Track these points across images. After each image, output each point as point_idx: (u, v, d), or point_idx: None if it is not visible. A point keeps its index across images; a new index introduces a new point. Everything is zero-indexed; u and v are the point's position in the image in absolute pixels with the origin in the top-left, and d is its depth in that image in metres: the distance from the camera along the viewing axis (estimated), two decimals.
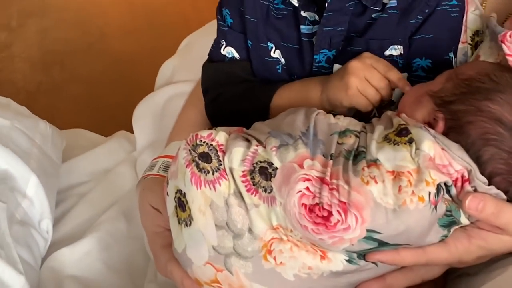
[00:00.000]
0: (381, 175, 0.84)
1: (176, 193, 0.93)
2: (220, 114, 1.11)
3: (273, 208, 0.87)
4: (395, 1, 0.99)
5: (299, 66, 1.05)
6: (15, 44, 2.98)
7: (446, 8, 0.99)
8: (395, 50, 1.00)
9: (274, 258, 0.88)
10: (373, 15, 1.00)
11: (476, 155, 0.86)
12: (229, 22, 1.11)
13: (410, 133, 0.86)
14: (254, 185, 0.88)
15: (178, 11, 3.02)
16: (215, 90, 1.12)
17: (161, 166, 1.10)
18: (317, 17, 1.02)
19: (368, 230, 0.84)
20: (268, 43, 1.06)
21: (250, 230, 0.88)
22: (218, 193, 0.89)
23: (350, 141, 0.89)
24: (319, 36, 1.01)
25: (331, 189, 0.84)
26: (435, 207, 0.84)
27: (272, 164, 0.87)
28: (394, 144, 0.86)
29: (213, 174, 0.89)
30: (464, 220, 0.86)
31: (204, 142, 0.91)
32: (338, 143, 0.89)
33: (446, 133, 0.87)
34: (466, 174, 0.85)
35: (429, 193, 0.83)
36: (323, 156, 0.87)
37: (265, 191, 0.87)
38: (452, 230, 0.87)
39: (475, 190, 0.85)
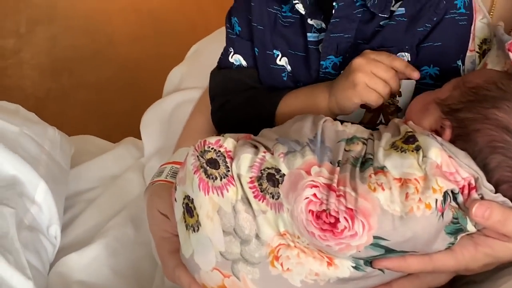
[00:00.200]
0: (388, 182, 0.84)
1: (184, 199, 0.93)
2: (226, 121, 1.11)
3: (280, 214, 0.87)
4: (403, 9, 0.99)
5: (305, 73, 1.05)
6: (24, 50, 2.99)
7: (454, 16, 0.99)
8: (403, 58, 0.99)
9: (281, 264, 0.88)
10: (381, 23, 1.00)
11: (483, 163, 0.86)
12: (237, 30, 1.11)
13: (417, 141, 0.86)
14: (261, 191, 0.88)
15: (185, 18, 3.03)
16: (222, 97, 1.12)
17: (169, 172, 1.10)
18: (323, 25, 1.02)
19: (375, 237, 0.84)
20: (274, 51, 1.06)
21: (257, 236, 0.88)
22: (225, 199, 0.89)
23: (358, 148, 0.89)
24: (326, 42, 1.01)
25: (338, 196, 0.84)
26: (442, 214, 0.84)
27: (280, 170, 0.87)
28: (401, 152, 0.86)
29: (221, 180, 0.89)
30: (470, 228, 0.86)
31: (212, 148, 0.91)
32: (345, 150, 0.89)
33: (453, 141, 0.87)
34: (473, 182, 0.85)
35: (436, 200, 0.83)
36: (331, 163, 0.87)
37: (273, 197, 0.87)
38: (458, 237, 0.87)
39: (482, 198, 0.85)
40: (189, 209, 0.92)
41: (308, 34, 1.04)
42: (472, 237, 0.87)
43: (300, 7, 1.02)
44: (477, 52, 1.03)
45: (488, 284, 0.92)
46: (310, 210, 0.85)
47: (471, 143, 0.87)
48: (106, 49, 2.94)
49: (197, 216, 0.91)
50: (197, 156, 0.92)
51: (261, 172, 0.88)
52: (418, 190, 0.83)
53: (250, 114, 1.06)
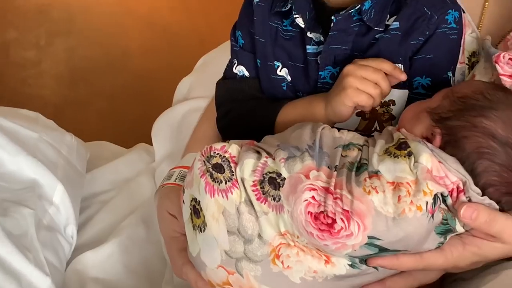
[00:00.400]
0: (382, 185, 0.84)
1: (191, 201, 0.93)
2: (230, 128, 1.12)
3: (281, 215, 0.87)
4: (398, 23, 0.99)
5: (304, 83, 1.05)
6: (43, 61, 2.99)
7: (445, 31, 0.99)
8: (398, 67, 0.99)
9: (282, 262, 0.88)
10: (376, 36, 1.00)
11: (470, 168, 0.86)
12: (241, 43, 1.12)
13: (409, 147, 0.86)
14: (263, 194, 0.88)
15: (194, 32, 3.03)
16: (226, 106, 1.13)
17: (178, 176, 1.10)
18: (322, 38, 1.02)
19: (369, 237, 0.84)
20: (275, 62, 1.07)
21: (259, 236, 0.88)
22: (230, 201, 0.89)
23: (353, 154, 0.89)
24: (324, 54, 1.01)
25: (335, 198, 0.85)
26: (432, 216, 0.84)
27: (281, 174, 0.88)
28: (394, 157, 0.86)
29: (225, 183, 0.90)
30: (459, 228, 0.86)
31: (217, 154, 0.92)
32: (342, 155, 0.89)
33: (442, 147, 0.88)
34: (461, 185, 0.85)
35: (427, 202, 0.83)
36: (328, 167, 0.88)
37: (274, 199, 0.87)
38: (448, 237, 0.87)
39: (470, 200, 0.85)
40: (196, 210, 0.93)
41: (308, 47, 1.04)
42: (460, 237, 0.88)
43: (300, 21, 1.02)
44: (466, 64, 1.03)
45: (475, 281, 0.92)
46: (309, 212, 0.85)
47: (459, 149, 0.87)
48: (120, 60, 2.95)
49: (204, 217, 0.91)
50: (204, 161, 0.92)
51: (263, 176, 0.89)
52: (410, 193, 0.83)
53: (252, 122, 1.06)
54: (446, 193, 0.84)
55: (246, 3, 1.10)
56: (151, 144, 1.44)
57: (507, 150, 0.86)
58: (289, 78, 1.06)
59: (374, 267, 0.88)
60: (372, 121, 1.01)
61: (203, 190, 0.91)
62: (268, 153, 0.91)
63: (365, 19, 0.98)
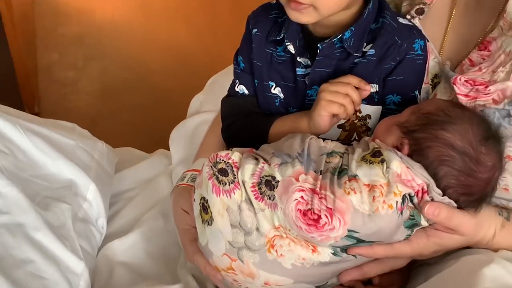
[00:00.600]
0: (359, 187, 0.85)
1: (200, 199, 0.94)
2: (233, 138, 1.11)
3: (275, 212, 0.87)
4: (373, 50, 0.98)
5: (294, 100, 1.04)
6: (80, 80, 3.00)
7: (413, 57, 0.99)
8: (373, 87, 0.99)
9: (276, 251, 0.89)
10: (355, 60, 0.99)
11: (433, 172, 0.86)
12: (242, 66, 1.11)
13: (382, 155, 0.86)
14: (261, 194, 0.88)
15: (205, 56, 3.04)
16: (229, 119, 1.12)
17: (190, 178, 1.10)
18: (309, 62, 1.02)
19: (348, 230, 0.85)
20: (270, 82, 1.06)
21: (257, 229, 0.89)
22: (233, 200, 0.90)
23: (336, 160, 0.89)
24: (311, 75, 1.01)
25: (320, 198, 0.85)
26: (401, 212, 0.84)
27: (275, 177, 0.88)
28: (370, 163, 0.86)
29: (229, 185, 0.90)
30: (424, 223, 0.86)
31: (222, 160, 0.92)
32: (326, 162, 0.89)
33: (410, 155, 0.87)
34: (425, 187, 0.85)
35: (397, 202, 0.84)
36: (314, 172, 0.88)
37: (269, 198, 0.88)
38: (414, 230, 0.87)
39: (432, 200, 0.85)
40: (205, 207, 0.93)
41: (297, 69, 1.03)
42: (425, 230, 0.88)
43: (291, 48, 1.02)
44: (430, 84, 1.02)
45: (439, 266, 0.92)
46: (298, 209, 0.85)
47: (424, 157, 0.87)
48: (144, 79, 2.96)
49: (211, 213, 0.92)
50: (211, 166, 0.92)
51: (261, 179, 0.89)
52: (382, 194, 0.84)
53: (251, 133, 1.05)
54: (413, 194, 0.85)
55: (247, 33, 1.10)
56: (168, 150, 1.44)
57: (464, 158, 0.86)
58: (281, 95, 1.06)
59: (353, 255, 0.88)
60: (351, 133, 1.00)
61: (211, 190, 0.91)
62: (264, 159, 0.91)
63: (345, 46, 0.98)
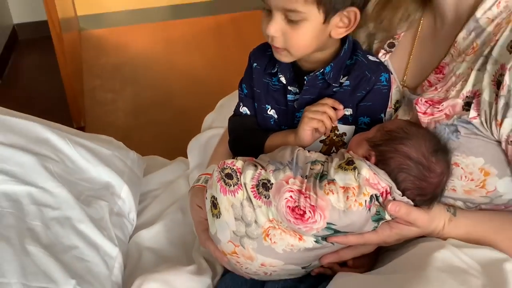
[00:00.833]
0: (336, 189, 0.85)
1: (211, 198, 0.94)
2: (236, 148, 1.11)
3: (270, 208, 0.88)
4: (348, 82, 0.98)
5: (285, 120, 1.04)
6: (117, 100, 3.01)
7: (379, 87, 0.98)
8: (348, 111, 0.98)
9: (270, 239, 0.89)
10: (334, 89, 0.99)
11: (394, 178, 0.86)
12: (245, 92, 1.11)
13: (355, 163, 0.87)
14: (258, 193, 0.88)
15: (216, 80, 3.07)
16: (235, 134, 1.12)
17: (203, 180, 1.10)
18: (298, 90, 1.02)
19: (327, 223, 0.85)
20: (266, 105, 1.06)
21: (256, 222, 0.89)
22: (236, 198, 0.90)
23: (318, 167, 0.89)
24: (300, 100, 1.01)
25: (305, 197, 0.85)
26: (369, 209, 0.85)
27: (270, 181, 0.88)
28: (345, 170, 0.86)
29: (233, 186, 0.90)
30: (387, 217, 0.87)
31: (228, 166, 0.92)
32: (310, 168, 0.89)
33: (376, 164, 0.88)
34: (388, 189, 0.85)
35: (366, 200, 0.84)
36: (301, 176, 0.88)
37: (265, 197, 0.88)
38: (380, 223, 0.88)
39: (394, 199, 0.86)
40: (214, 204, 0.93)
41: (288, 96, 1.03)
42: (388, 223, 0.88)
43: (283, 79, 1.02)
44: (393, 108, 1.02)
45: (401, 251, 0.91)
46: (288, 206, 0.86)
47: (387, 165, 0.87)
48: (168, 100, 2.97)
49: (219, 208, 0.92)
50: (219, 171, 0.92)
51: (259, 182, 0.89)
52: (354, 194, 0.84)
53: (251, 144, 1.05)
54: (378, 194, 0.85)
55: (249, 66, 1.09)
56: (186, 157, 1.44)
57: (418, 166, 0.86)
58: (275, 116, 1.06)
59: (331, 243, 0.89)
60: (331, 146, 1.00)
61: (219, 190, 0.91)
62: (262, 166, 0.91)
63: (326, 78, 0.98)
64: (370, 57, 1.01)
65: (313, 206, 0.84)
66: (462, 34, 0.90)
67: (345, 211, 0.84)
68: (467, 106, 0.85)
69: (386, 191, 0.85)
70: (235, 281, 1.00)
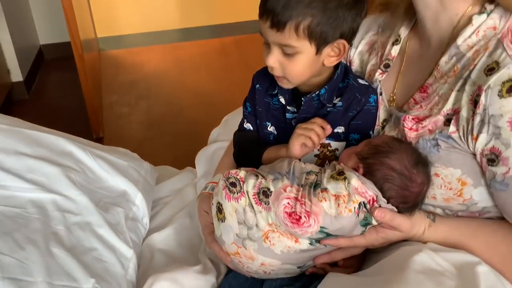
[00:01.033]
0: (328, 197, 0.85)
1: (217, 204, 0.94)
2: (240, 160, 1.11)
3: (269, 213, 0.88)
4: (341, 102, 0.98)
5: (284, 136, 1.03)
6: (132, 114, 3.02)
7: (369, 107, 0.99)
8: (340, 129, 0.99)
9: (269, 241, 0.89)
10: (328, 109, 0.99)
11: (380, 187, 0.87)
12: (248, 110, 1.11)
13: (345, 174, 0.87)
14: (259, 200, 0.89)
15: (221, 97, 3.08)
16: (239, 147, 1.13)
17: (210, 188, 1.10)
18: (295, 109, 1.02)
19: (321, 227, 0.85)
20: (267, 122, 1.06)
21: (256, 225, 0.89)
22: (239, 204, 0.90)
23: (312, 177, 0.90)
24: (297, 119, 1.01)
25: (301, 204, 0.86)
26: (358, 215, 0.85)
27: (270, 189, 0.88)
28: (336, 180, 0.87)
29: (237, 194, 0.90)
30: (374, 222, 0.87)
31: (233, 176, 0.92)
32: (305, 178, 0.90)
33: (364, 175, 0.88)
34: (375, 197, 0.86)
35: (355, 207, 0.84)
36: (297, 185, 0.88)
37: (265, 203, 0.88)
38: (367, 228, 0.88)
39: (380, 206, 0.86)
40: (220, 209, 0.93)
41: (287, 114, 1.03)
42: (375, 228, 0.88)
43: (282, 100, 1.03)
44: (380, 126, 1.02)
45: (384, 253, 0.92)
46: (285, 211, 0.86)
47: (373, 176, 0.87)
48: (178, 114, 2.98)
49: (224, 213, 0.92)
50: (224, 180, 0.93)
51: (259, 190, 0.89)
52: (345, 201, 0.84)
53: (251, 157, 1.05)
54: (366, 202, 0.85)
55: (252, 87, 1.10)
56: (194, 167, 1.44)
57: (401, 177, 0.86)
58: (275, 132, 1.06)
59: (324, 245, 0.89)
60: (324, 160, 1.00)
61: (224, 197, 0.92)
62: (262, 176, 0.91)
63: (321, 99, 0.98)
64: (360, 81, 1.01)
65: (308, 211, 0.85)
66: (444, 59, 0.90)
67: (336, 216, 0.84)
68: (447, 122, 0.86)
69: (373, 199, 0.85)
70: (237, 279, 1.01)
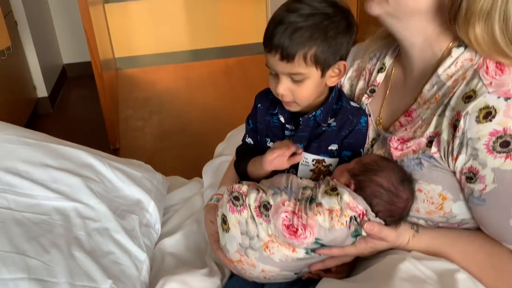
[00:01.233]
0: (323, 211, 0.85)
1: (222, 215, 0.94)
2: (238, 167, 1.09)
3: (269, 225, 0.88)
4: (335, 123, 0.98)
5: None
6: (146, 127, 3.02)
7: (360, 128, 0.99)
8: (334, 146, 0.98)
9: (269, 250, 0.89)
10: (323, 128, 0.99)
11: (369, 202, 0.87)
12: (251, 126, 1.11)
13: (338, 190, 0.87)
14: (260, 213, 0.88)
15: (226, 113, 3.08)
16: (238, 157, 1.11)
17: (215, 199, 1.09)
18: (294, 128, 1.02)
19: (316, 239, 0.85)
20: (267, 138, 1.05)
21: (257, 236, 0.89)
22: (242, 216, 0.90)
23: (308, 192, 0.89)
24: (295, 137, 1.00)
25: (298, 217, 0.85)
26: (349, 227, 0.85)
27: (269, 202, 0.88)
28: (330, 195, 0.86)
29: (240, 207, 0.90)
30: (364, 234, 0.86)
31: (236, 190, 0.92)
32: (302, 193, 0.89)
33: (355, 190, 0.88)
34: (365, 212, 0.85)
35: (346, 221, 0.84)
36: (295, 199, 0.88)
37: (266, 216, 0.88)
38: (357, 238, 0.87)
39: (369, 220, 0.86)
40: (224, 220, 0.93)
41: (286, 131, 1.03)
42: (364, 238, 0.88)
43: (282, 119, 1.02)
44: (370, 144, 1.02)
45: (372, 261, 0.91)
46: (284, 224, 0.86)
47: (363, 192, 0.87)
48: (187, 128, 2.98)
49: (228, 224, 0.92)
50: (229, 194, 0.93)
51: (260, 203, 0.89)
52: (337, 215, 0.84)
53: (244, 165, 1.05)
54: (357, 216, 0.85)
55: (254, 106, 1.09)
56: (201, 178, 1.43)
57: (389, 193, 0.86)
58: None
59: (318, 254, 0.88)
60: (319, 174, 1.00)
61: (228, 210, 0.91)
62: (263, 190, 0.91)
63: (317, 119, 0.98)
64: (352, 103, 1.01)
65: (304, 224, 0.84)
66: (427, 87, 0.91)
67: (330, 229, 0.84)
68: (429, 143, 0.86)
69: (363, 213, 0.85)
70: (240, 282, 1.00)
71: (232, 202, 0.91)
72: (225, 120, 2.93)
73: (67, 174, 1.13)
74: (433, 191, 0.87)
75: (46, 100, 3.26)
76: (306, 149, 0.99)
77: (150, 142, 2.85)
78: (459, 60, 0.87)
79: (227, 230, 0.92)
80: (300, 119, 0.99)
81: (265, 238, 0.88)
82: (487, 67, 0.82)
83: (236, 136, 1.30)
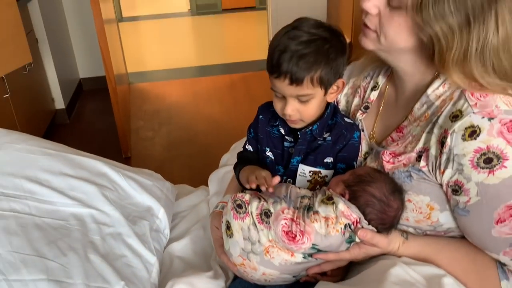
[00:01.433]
0: (319, 218, 0.85)
1: (226, 222, 0.94)
2: (236, 171, 1.08)
3: (270, 231, 0.88)
4: (330, 137, 0.98)
5: (280, 161, 1.03)
6: (155, 138, 3.02)
7: (353, 142, 0.99)
8: (329, 159, 0.99)
9: (270, 255, 0.89)
10: (319, 142, 0.99)
11: (362, 211, 0.87)
12: (251, 135, 1.10)
13: (333, 199, 0.87)
14: (261, 220, 0.89)
15: (230, 125, 3.07)
16: (237, 161, 1.11)
17: (220, 207, 1.09)
18: (292, 139, 1.02)
19: (313, 244, 0.85)
20: (266, 148, 1.05)
21: (259, 241, 0.89)
22: (245, 223, 0.90)
23: (306, 201, 0.89)
24: (294, 150, 1.00)
25: (296, 224, 0.86)
26: (344, 234, 0.85)
27: (270, 210, 0.88)
28: (326, 204, 0.86)
29: (243, 214, 0.90)
30: (357, 240, 0.87)
31: (239, 199, 0.92)
32: (300, 201, 0.89)
33: (349, 200, 0.88)
34: (358, 220, 0.86)
35: (341, 228, 0.84)
36: (293, 207, 0.88)
37: (267, 223, 0.88)
38: (351, 244, 0.88)
39: (362, 227, 0.86)
40: (228, 226, 0.93)
41: (285, 143, 1.03)
42: (358, 244, 0.88)
43: (282, 131, 1.03)
44: (362, 157, 1.02)
45: (365, 265, 0.91)
46: (283, 230, 0.86)
47: (357, 201, 0.87)
48: (193, 138, 2.97)
49: (232, 230, 0.92)
50: (232, 202, 0.93)
51: (262, 211, 0.89)
52: (333, 223, 0.84)
53: (240, 170, 1.05)
54: (351, 223, 0.85)
55: (256, 116, 1.09)
56: (207, 186, 1.43)
57: (380, 203, 0.87)
58: (272, 157, 1.05)
59: (315, 258, 0.89)
60: (315, 184, 1.00)
61: (232, 217, 0.92)
62: (264, 199, 0.91)
63: (314, 134, 0.99)
64: (346, 119, 1.02)
65: (302, 231, 0.84)
66: (417, 106, 0.91)
67: (326, 235, 0.84)
68: (419, 158, 0.86)
69: (356, 220, 0.85)
70: (243, 284, 1.00)
71: (236, 210, 0.91)
72: (230, 131, 2.93)
73: (83, 183, 1.14)
74: (422, 202, 0.87)
75: (64, 112, 3.28)
76: (304, 161, 0.99)
77: (159, 151, 2.85)
78: (446, 81, 0.87)
79: (230, 235, 0.92)
80: (298, 133, 1.00)
81: (266, 243, 0.88)
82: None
83: (240, 148, 1.25)
